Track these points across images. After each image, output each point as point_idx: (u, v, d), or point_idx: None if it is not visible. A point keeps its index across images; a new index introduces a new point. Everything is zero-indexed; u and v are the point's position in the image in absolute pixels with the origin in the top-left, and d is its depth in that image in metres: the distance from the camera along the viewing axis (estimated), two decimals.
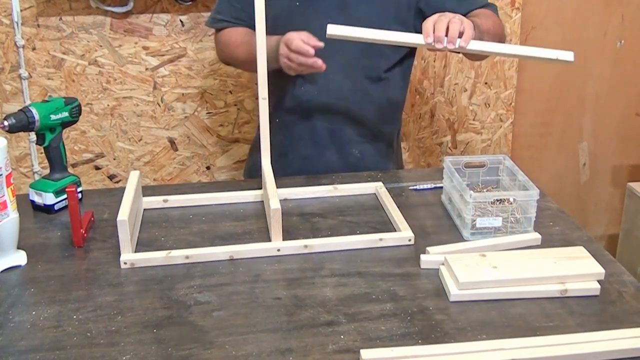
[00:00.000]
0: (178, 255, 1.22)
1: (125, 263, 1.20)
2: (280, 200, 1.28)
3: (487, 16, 1.56)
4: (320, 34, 1.39)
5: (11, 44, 1.98)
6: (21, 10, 1.95)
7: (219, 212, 1.42)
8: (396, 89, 1.69)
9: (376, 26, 1.36)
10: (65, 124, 1.44)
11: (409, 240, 1.27)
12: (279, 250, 1.24)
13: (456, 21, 1.32)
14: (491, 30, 1.51)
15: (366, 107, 1.65)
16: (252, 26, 1.44)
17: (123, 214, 1.20)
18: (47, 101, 1.41)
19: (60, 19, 1.98)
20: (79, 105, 1.46)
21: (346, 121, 1.65)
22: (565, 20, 2.27)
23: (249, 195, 1.47)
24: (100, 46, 2.03)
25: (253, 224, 1.36)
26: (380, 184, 1.50)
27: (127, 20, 2.03)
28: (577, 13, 2.27)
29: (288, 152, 1.67)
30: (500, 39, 1.56)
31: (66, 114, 1.43)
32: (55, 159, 1.44)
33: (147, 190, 1.50)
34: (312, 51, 1.42)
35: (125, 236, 1.20)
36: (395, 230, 1.32)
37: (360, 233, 1.30)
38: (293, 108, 1.64)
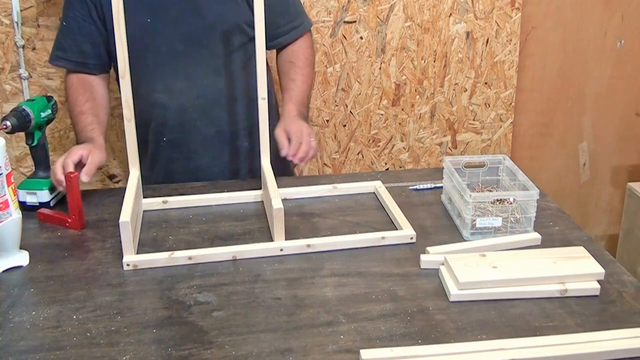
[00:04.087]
0: (181, 257, 1.21)
1: (127, 265, 1.19)
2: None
3: (304, 58, 1.68)
4: (174, 41, 1.52)
5: (11, 44, 1.98)
6: (21, 10, 1.95)
7: (219, 212, 1.42)
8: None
9: (215, 6, 1.53)
10: (49, 121, 1.45)
11: (411, 238, 1.28)
12: (281, 250, 1.24)
13: (304, 144, 1.46)
14: (307, 82, 1.66)
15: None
16: (97, 67, 1.58)
17: (125, 215, 1.20)
18: (33, 100, 1.42)
19: (61, 19, 1.98)
20: (57, 102, 1.49)
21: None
22: (565, 20, 2.27)
23: (248, 196, 1.47)
24: None
25: (253, 224, 1.36)
26: (379, 182, 1.50)
27: None
28: (577, 13, 2.27)
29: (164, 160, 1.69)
30: (311, 73, 1.70)
31: (49, 111, 1.44)
32: (42, 157, 1.45)
33: (147, 191, 1.50)
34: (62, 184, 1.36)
35: (128, 238, 1.19)
36: (397, 229, 1.32)
37: (361, 232, 1.30)
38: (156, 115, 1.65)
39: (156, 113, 1.63)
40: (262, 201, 1.46)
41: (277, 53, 1.72)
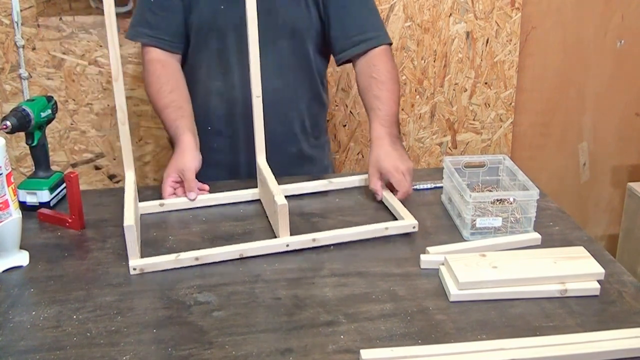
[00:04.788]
0: (187, 258, 1.20)
1: (134, 269, 1.18)
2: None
3: (385, 71, 1.55)
4: (242, 33, 1.46)
5: (11, 44, 1.98)
6: (21, 10, 1.95)
7: (217, 212, 1.42)
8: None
9: (289, 6, 1.53)
10: (49, 121, 1.45)
11: (413, 227, 1.29)
12: (287, 245, 1.24)
13: (401, 182, 1.40)
14: (393, 99, 1.54)
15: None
16: (172, 45, 1.55)
17: (129, 219, 1.19)
18: (33, 100, 1.42)
19: (60, 19, 1.98)
20: (56, 102, 1.49)
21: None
22: (565, 20, 2.27)
23: (244, 195, 1.46)
24: (100, 46, 2.03)
25: (253, 223, 1.36)
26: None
27: (127, 20, 2.02)
28: (577, 13, 2.27)
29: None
30: (396, 89, 1.57)
31: (49, 111, 1.44)
32: (42, 157, 1.45)
33: (148, 191, 1.50)
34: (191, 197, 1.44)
35: (133, 242, 1.18)
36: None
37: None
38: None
39: (209, 100, 1.62)
40: (259, 200, 1.46)
41: (355, 69, 1.62)
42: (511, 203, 1.29)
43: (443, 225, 1.35)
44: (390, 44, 1.62)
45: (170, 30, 1.56)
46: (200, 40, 1.58)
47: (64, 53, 2.02)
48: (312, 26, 1.59)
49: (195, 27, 1.56)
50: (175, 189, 1.46)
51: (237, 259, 1.23)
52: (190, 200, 1.43)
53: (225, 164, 1.66)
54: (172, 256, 1.20)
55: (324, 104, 1.75)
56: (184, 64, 1.63)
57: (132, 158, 1.38)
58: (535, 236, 1.27)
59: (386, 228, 1.27)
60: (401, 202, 1.39)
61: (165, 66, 1.57)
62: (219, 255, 1.22)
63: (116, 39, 1.29)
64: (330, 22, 1.59)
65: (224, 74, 1.59)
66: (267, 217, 1.38)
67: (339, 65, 1.64)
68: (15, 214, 1.19)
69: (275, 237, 1.28)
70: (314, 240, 1.25)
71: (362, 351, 0.94)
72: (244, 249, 1.23)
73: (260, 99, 1.40)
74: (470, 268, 1.12)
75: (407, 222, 1.29)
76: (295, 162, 1.69)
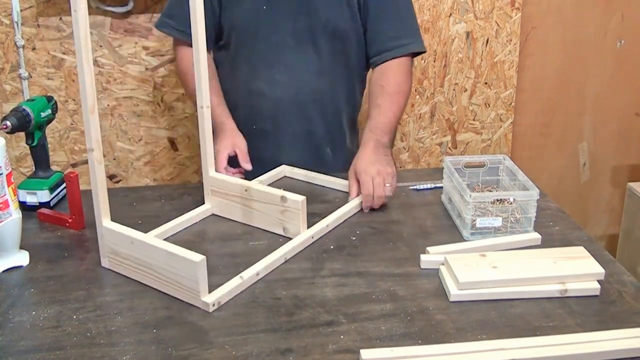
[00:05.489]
0: (250, 275, 1.14)
1: (213, 305, 1.07)
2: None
3: (395, 83, 1.56)
4: (284, 34, 1.49)
5: (11, 44, 1.98)
6: (21, 10, 1.95)
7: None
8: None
9: (329, 7, 1.54)
10: (49, 121, 1.45)
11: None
12: (312, 237, 1.28)
13: (388, 191, 1.40)
14: (393, 110, 1.54)
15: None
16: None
17: (196, 256, 1.06)
18: (33, 100, 1.42)
19: (60, 19, 1.98)
20: (56, 102, 1.49)
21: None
22: (565, 20, 2.27)
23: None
24: (100, 46, 2.03)
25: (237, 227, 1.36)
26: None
27: (127, 20, 2.03)
28: (577, 13, 2.27)
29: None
30: (401, 100, 1.57)
31: (49, 111, 1.44)
32: (42, 157, 1.45)
33: (147, 190, 1.50)
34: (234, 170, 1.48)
35: (204, 277, 1.07)
36: (395, 227, 1.32)
37: (360, 234, 1.31)
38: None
39: (252, 100, 1.63)
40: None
41: (374, 70, 1.63)
42: (511, 203, 1.29)
43: (443, 225, 1.35)
44: (424, 51, 1.63)
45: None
46: (241, 40, 1.59)
47: (64, 53, 2.02)
48: (352, 27, 1.59)
49: (236, 27, 1.57)
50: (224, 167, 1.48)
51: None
52: (248, 170, 1.49)
53: (270, 162, 1.62)
54: (237, 278, 1.13)
55: (358, 105, 1.77)
56: (218, 64, 1.65)
57: (108, 204, 1.20)
58: (535, 236, 1.27)
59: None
60: (399, 207, 1.38)
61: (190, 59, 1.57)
62: (267, 265, 1.18)
63: (91, 64, 1.08)
64: (367, 25, 1.60)
65: (265, 75, 1.60)
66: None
67: (373, 68, 1.64)
68: (15, 214, 1.19)
69: (277, 234, 1.29)
70: (327, 226, 1.31)
71: (362, 351, 0.94)
72: (285, 251, 1.22)
73: (209, 109, 1.33)
74: (470, 268, 1.12)
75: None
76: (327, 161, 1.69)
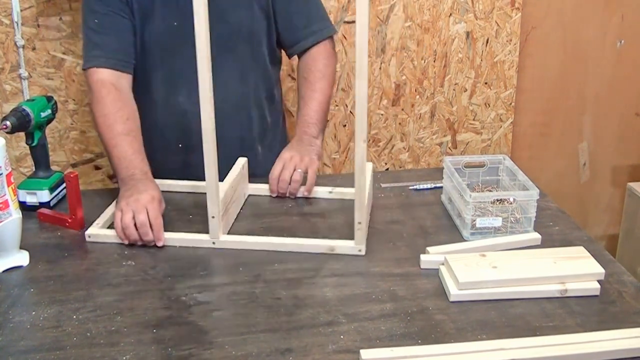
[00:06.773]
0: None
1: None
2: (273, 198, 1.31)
3: (317, 71, 1.61)
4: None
5: (11, 44, 1.98)
6: (21, 10, 1.95)
7: None
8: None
9: (241, 11, 1.54)
10: (49, 121, 1.45)
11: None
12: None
13: (297, 175, 1.45)
14: (317, 98, 1.59)
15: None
16: (125, 65, 1.50)
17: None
18: (33, 100, 1.42)
19: (60, 19, 1.98)
20: (56, 102, 1.49)
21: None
22: (565, 20, 2.27)
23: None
24: None
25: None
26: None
27: None
28: (577, 13, 2.27)
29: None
30: (324, 86, 1.62)
31: (49, 111, 1.44)
32: (42, 157, 1.45)
33: None
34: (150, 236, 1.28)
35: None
36: (395, 227, 1.32)
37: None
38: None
39: (174, 117, 1.61)
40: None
41: (298, 63, 1.67)
42: (511, 203, 1.29)
43: (443, 225, 1.35)
44: (336, 32, 1.68)
45: (122, 49, 1.52)
46: (156, 58, 1.55)
47: (64, 53, 2.02)
48: (264, 26, 1.60)
49: (148, 45, 1.54)
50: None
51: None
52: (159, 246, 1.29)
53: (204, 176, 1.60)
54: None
55: (279, 100, 1.77)
56: (133, 83, 1.57)
57: None
58: (535, 236, 1.27)
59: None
60: (399, 207, 1.38)
61: (118, 89, 1.48)
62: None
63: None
64: (277, 17, 1.61)
65: (185, 91, 1.57)
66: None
67: (290, 57, 1.69)
68: (15, 214, 1.19)
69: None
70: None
71: (362, 351, 0.94)
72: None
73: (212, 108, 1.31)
74: (470, 268, 1.12)
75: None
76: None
